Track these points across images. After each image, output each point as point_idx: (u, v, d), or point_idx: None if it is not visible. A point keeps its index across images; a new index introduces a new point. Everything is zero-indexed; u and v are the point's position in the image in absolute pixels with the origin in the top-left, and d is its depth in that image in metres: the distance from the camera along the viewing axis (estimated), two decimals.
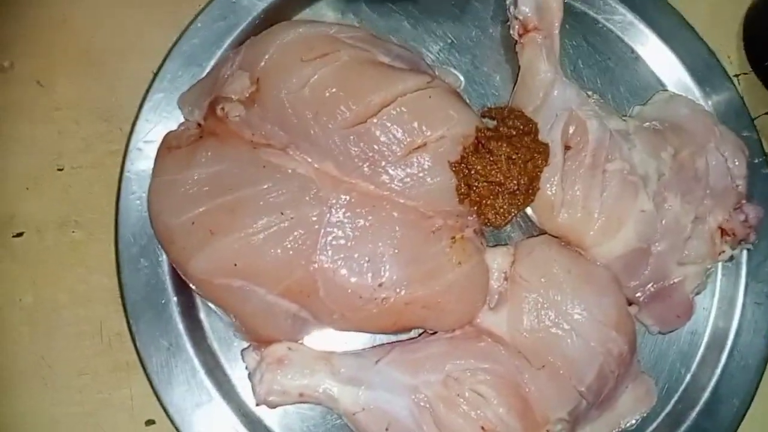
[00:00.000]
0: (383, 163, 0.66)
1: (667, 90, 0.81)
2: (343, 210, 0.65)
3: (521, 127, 0.68)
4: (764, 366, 0.77)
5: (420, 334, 0.73)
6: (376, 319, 0.66)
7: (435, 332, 0.71)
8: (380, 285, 0.65)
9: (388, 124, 0.65)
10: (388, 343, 0.72)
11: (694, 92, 0.81)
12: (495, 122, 0.71)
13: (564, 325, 0.68)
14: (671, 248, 0.73)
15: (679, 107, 0.78)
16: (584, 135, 0.71)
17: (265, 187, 0.65)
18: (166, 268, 0.72)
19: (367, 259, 0.65)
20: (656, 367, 0.78)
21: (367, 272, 0.65)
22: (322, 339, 0.72)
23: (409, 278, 0.66)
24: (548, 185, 0.70)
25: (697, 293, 0.76)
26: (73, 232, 0.75)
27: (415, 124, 0.65)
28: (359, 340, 0.73)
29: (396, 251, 0.65)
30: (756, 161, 0.78)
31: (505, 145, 0.67)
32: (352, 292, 0.65)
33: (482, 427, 0.64)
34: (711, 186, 0.74)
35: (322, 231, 0.65)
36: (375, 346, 0.72)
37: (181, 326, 0.71)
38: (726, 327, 0.78)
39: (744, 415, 0.76)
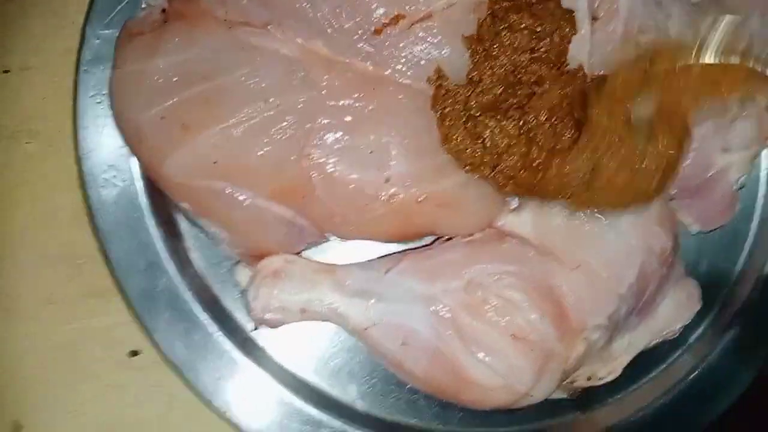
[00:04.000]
0: (382, 38, 0.56)
1: None
2: (338, 94, 0.56)
3: None
4: None
5: (433, 242, 0.64)
6: (383, 222, 0.58)
7: (450, 239, 0.62)
8: (387, 180, 0.56)
9: None
10: (397, 253, 0.63)
11: None
12: None
13: (600, 220, 0.60)
14: (715, 132, 0.64)
15: None
16: (613, 2, 0.61)
17: (245, 72, 0.56)
18: (138, 177, 0.62)
19: (370, 150, 0.56)
20: (696, 270, 0.69)
21: (371, 165, 0.56)
22: (323, 254, 0.64)
23: (421, 172, 0.57)
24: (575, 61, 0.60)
25: (742, 186, 0.68)
26: (28, 143, 0.66)
27: None
28: (363, 256, 0.64)
29: (404, 141, 0.56)
30: None
31: (527, 15, 0.57)
32: (354, 188, 0.56)
33: (512, 335, 0.57)
34: (758, 58, 0.65)
35: (315, 119, 0.56)
36: (384, 256, 0.63)
37: (160, 243, 0.62)
38: None
39: None
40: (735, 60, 0.59)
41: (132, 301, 0.61)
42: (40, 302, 0.64)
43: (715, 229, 0.68)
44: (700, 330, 0.69)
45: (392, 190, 0.56)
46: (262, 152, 0.55)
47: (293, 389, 0.64)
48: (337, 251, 0.65)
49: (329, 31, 0.56)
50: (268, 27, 0.57)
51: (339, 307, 0.59)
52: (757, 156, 0.67)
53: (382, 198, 0.56)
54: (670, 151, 0.58)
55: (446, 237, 0.63)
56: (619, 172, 0.58)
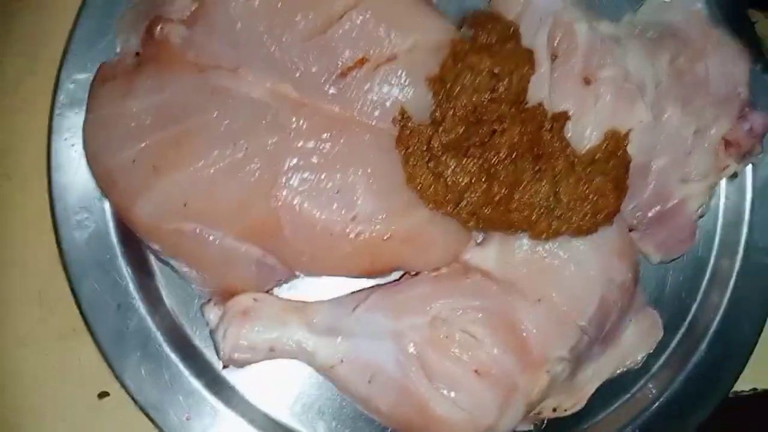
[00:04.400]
0: (348, 80, 0.57)
1: None
2: (306, 136, 0.57)
3: (501, 32, 0.60)
4: None
5: (401, 277, 0.65)
6: (350, 259, 0.59)
7: (417, 273, 0.63)
8: (353, 219, 0.57)
9: (352, 34, 0.57)
10: (366, 288, 0.64)
11: None
12: (472, 32, 0.62)
13: (561, 253, 0.62)
14: (672, 164, 0.66)
15: (673, 12, 0.71)
16: (572, 40, 0.63)
17: (215, 114, 0.57)
18: (109, 219, 0.63)
19: (336, 190, 0.57)
20: (659, 299, 0.71)
21: (338, 205, 0.57)
22: (292, 290, 0.65)
23: (387, 210, 0.58)
24: (536, 97, 0.62)
25: (701, 216, 0.69)
26: (1, 185, 0.66)
27: (383, 31, 0.57)
28: (333, 291, 0.65)
29: (369, 180, 0.58)
30: (757, 67, 0.71)
31: (486, 57, 0.58)
32: (321, 228, 0.57)
33: (476, 370, 0.58)
34: (712, 94, 0.67)
35: (283, 161, 0.57)
36: (352, 293, 0.64)
37: (131, 284, 0.63)
38: (732, 251, 0.71)
39: (756, 341, 0.69)
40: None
41: (102, 342, 0.62)
42: (12, 343, 0.64)
43: (675, 259, 0.70)
44: (663, 358, 0.70)
45: (359, 229, 0.57)
46: (231, 193, 0.56)
47: (262, 428, 0.64)
48: (308, 287, 0.66)
49: (297, 74, 0.58)
50: (238, 70, 0.58)
51: (307, 345, 0.59)
52: (714, 186, 0.69)
53: (350, 236, 0.57)
54: (618, 170, 0.61)
55: (414, 273, 0.64)
56: (576, 196, 0.59)
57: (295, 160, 0.57)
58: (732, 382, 0.69)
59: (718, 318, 0.70)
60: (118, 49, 0.63)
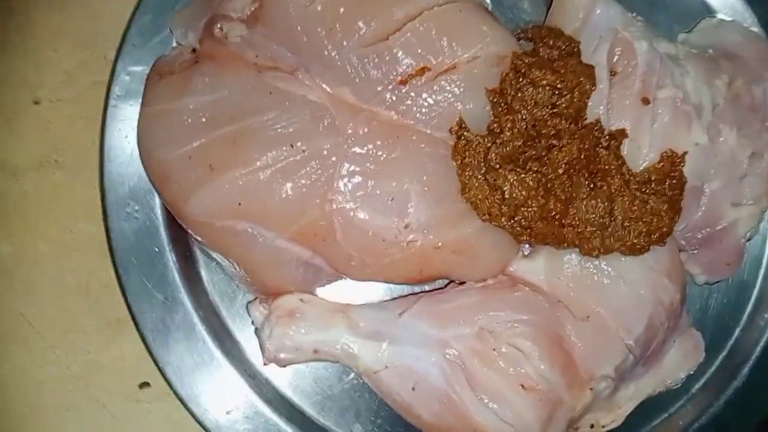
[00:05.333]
0: (408, 88, 0.57)
1: (715, 16, 0.72)
2: (363, 141, 0.57)
3: (563, 47, 0.59)
4: None
5: (446, 285, 0.65)
6: (400, 266, 0.59)
7: (463, 282, 0.63)
8: (406, 227, 0.57)
9: (413, 42, 0.57)
10: (412, 294, 0.64)
11: (745, 17, 0.72)
12: (532, 44, 0.62)
13: (610, 271, 0.61)
14: (725, 187, 0.65)
15: (730, 34, 0.70)
16: (632, 58, 0.63)
17: (272, 115, 0.57)
18: (159, 211, 0.64)
19: (391, 197, 0.57)
20: (702, 321, 0.70)
21: (392, 212, 0.57)
22: (337, 292, 0.64)
23: (439, 220, 0.58)
24: (592, 114, 0.61)
25: (749, 239, 0.69)
26: (54, 173, 0.67)
27: (444, 42, 0.57)
28: (377, 294, 0.65)
29: (424, 189, 0.58)
30: None
31: (549, 72, 0.58)
32: (373, 234, 0.57)
33: (522, 385, 0.57)
34: None
35: (339, 165, 0.57)
36: (398, 298, 0.64)
37: (177, 277, 0.64)
38: None
39: None
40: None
41: (146, 333, 0.62)
42: (59, 332, 0.65)
43: (720, 281, 0.69)
44: (703, 380, 0.70)
45: (411, 237, 0.57)
46: (285, 196, 0.56)
47: (299, 426, 0.64)
48: (352, 290, 0.65)
49: (356, 79, 0.57)
50: (297, 72, 0.58)
51: (352, 348, 0.59)
52: (765, 210, 0.68)
53: (401, 244, 0.57)
54: (673, 191, 0.60)
55: (460, 281, 0.63)
56: (630, 215, 0.59)
57: (351, 166, 0.57)
58: None
59: (761, 343, 0.69)
60: (174, 44, 0.63)
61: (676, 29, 0.72)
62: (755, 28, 0.72)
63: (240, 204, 0.56)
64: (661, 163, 0.61)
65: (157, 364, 0.62)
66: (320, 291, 0.64)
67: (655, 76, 0.63)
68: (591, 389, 0.60)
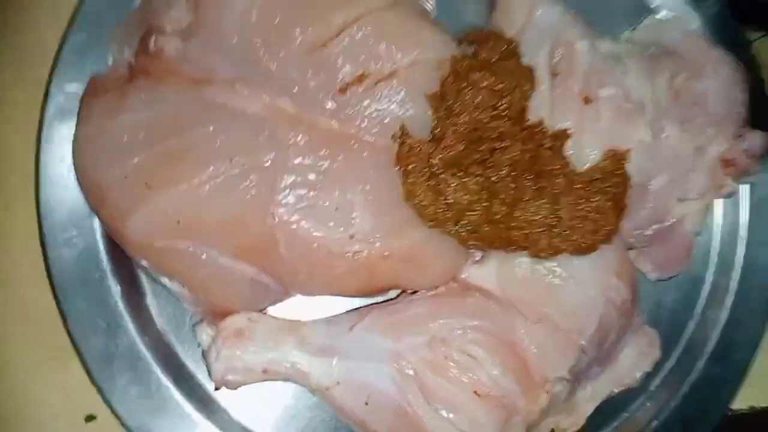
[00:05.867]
0: (348, 96, 0.56)
1: (657, 13, 0.73)
2: (304, 152, 0.56)
3: (503, 49, 0.59)
4: None
5: (398, 295, 0.64)
6: (348, 278, 0.58)
7: (415, 292, 0.62)
8: (351, 237, 0.56)
9: (352, 48, 0.56)
10: (363, 307, 0.63)
11: (687, 15, 0.73)
12: (473, 48, 0.61)
13: (561, 272, 0.61)
14: (671, 183, 0.66)
15: (672, 31, 0.71)
16: (573, 59, 0.63)
17: (210, 130, 0.56)
18: (99, 236, 0.62)
19: (334, 207, 0.56)
20: (656, 318, 0.70)
21: (336, 223, 0.56)
22: (288, 309, 0.63)
23: (385, 228, 0.57)
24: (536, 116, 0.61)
25: (698, 234, 0.69)
26: None
27: (383, 47, 0.56)
28: (328, 310, 0.64)
29: (368, 198, 0.57)
30: (755, 87, 0.71)
31: (488, 74, 0.58)
32: (318, 246, 0.56)
33: (475, 392, 0.57)
34: (711, 112, 0.67)
35: (279, 177, 0.56)
36: (349, 311, 0.63)
37: (120, 303, 0.62)
38: (728, 269, 0.71)
39: (754, 359, 0.69)
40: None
41: (90, 363, 0.60)
42: None
43: (672, 277, 0.69)
44: (661, 377, 0.69)
45: (356, 247, 0.56)
46: (226, 211, 0.55)
47: None
48: (302, 306, 0.64)
49: (295, 89, 0.57)
50: (235, 84, 0.57)
51: (302, 366, 0.58)
52: (711, 204, 0.69)
53: (347, 255, 0.56)
54: (618, 189, 0.60)
55: (412, 291, 0.63)
56: (576, 214, 0.59)
57: (292, 178, 0.56)
58: (730, 400, 0.68)
59: (715, 336, 0.70)
60: (110, 61, 0.62)
61: (619, 28, 0.73)
62: (695, 26, 0.73)
63: (179, 222, 0.55)
64: (605, 161, 0.61)
65: (102, 396, 0.60)
66: (271, 309, 0.63)
67: (596, 75, 0.63)
68: (547, 392, 0.59)
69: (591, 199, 0.59)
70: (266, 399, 0.64)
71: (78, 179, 0.59)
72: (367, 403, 0.58)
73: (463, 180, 0.57)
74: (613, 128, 0.62)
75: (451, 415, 0.57)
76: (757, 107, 0.70)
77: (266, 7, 0.55)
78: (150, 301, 0.63)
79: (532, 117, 0.61)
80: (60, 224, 0.61)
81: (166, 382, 0.61)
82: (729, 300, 0.71)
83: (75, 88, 0.61)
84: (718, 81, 0.68)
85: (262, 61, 0.56)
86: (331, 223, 0.56)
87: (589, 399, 0.66)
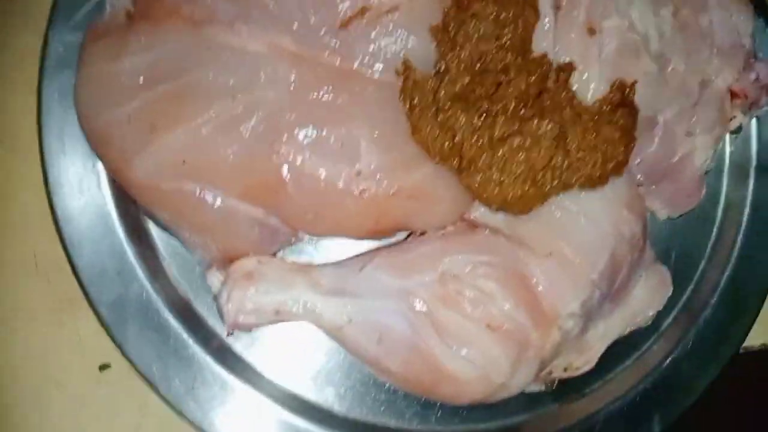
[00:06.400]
0: (350, 31, 0.56)
1: None
2: (307, 89, 0.56)
3: None
4: None
5: (407, 237, 0.63)
6: (356, 217, 0.57)
7: (424, 233, 0.62)
8: (358, 173, 0.56)
9: None
10: (374, 249, 0.62)
11: None
12: None
13: (570, 207, 0.60)
14: (678, 116, 0.65)
15: None
16: None
17: (211, 70, 0.55)
18: (105, 185, 0.61)
19: (340, 144, 0.55)
20: (667, 256, 0.69)
21: (342, 159, 0.55)
22: (297, 255, 0.63)
23: (392, 165, 0.57)
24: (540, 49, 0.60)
25: (707, 171, 0.68)
26: None
27: None
28: (339, 255, 0.63)
29: (374, 133, 0.56)
30: (761, 18, 0.70)
31: (490, 3, 0.57)
32: (325, 183, 0.56)
33: (488, 325, 0.56)
34: (717, 44, 0.66)
35: (284, 115, 0.55)
36: (360, 254, 0.62)
37: (129, 251, 0.61)
38: (740, 204, 0.70)
39: (765, 296, 0.69)
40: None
41: (101, 312, 0.59)
42: (8, 312, 0.62)
43: (682, 215, 0.69)
44: (672, 315, 0.69)
45: (364, 184, 0.56)
46: (231, 150, 0.55)
47: (269, 395, 0.62)
48: (312, 252, 0.64)
49: (295, 26, 0.56)
50: (234, 24, 0.56)
51: (314, 306, 0.58)
52: (720, 138, 0.68)
53: (355, 192, 0.56)
54: (626, 120, 0.59)
55: (420, 232, 0.62)
56: (585, 145, 0.58)
57: (296, 115, 0.55)
58: (742, 337, 0.68)
59: (726, 274, 0.69)
60: (108, 7, 0.61)
61: None
62: None
63: (184, 162, 0.55)
64: (612, 93, 0.60)
65: (115, 343, 0.60)
66: (281, 255, 0.63)
67: (600, 6, 0.62)
68: (559, 328, 0.59)
69: (599, 130, 0.58)
70: (280, 344, 0.64)
71: (81, 125, 0.58)
72: (379, 341, 0.57)
73: (469, 115, 0.56)
74: (619, 59, 0.61)
75: (464, 350, 0.57)
76: (763, 39, 0.69)
77: None
78: (159, 250, 0.63)
79: (536, 50, 0.60)
80: (65, 173, 0.60)
81: (179, 329, 0.61)
82: (739, 237, 0.70)
83: (74, 37, 0.60)
84: (724, 13, 0.67)
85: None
86: (337, 160, 0.55)
87: (601, 338, 0.65)
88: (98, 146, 0.57)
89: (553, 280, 0.59)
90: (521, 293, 0.58)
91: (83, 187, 0.60)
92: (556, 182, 0.56)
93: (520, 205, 0.56)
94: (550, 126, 0.55)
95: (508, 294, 0.57)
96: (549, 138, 0.55)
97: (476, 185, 0.56)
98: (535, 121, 0.55)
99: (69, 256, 0.60)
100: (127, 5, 0.59)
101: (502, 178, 0.55)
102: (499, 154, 0.55)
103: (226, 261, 0.60)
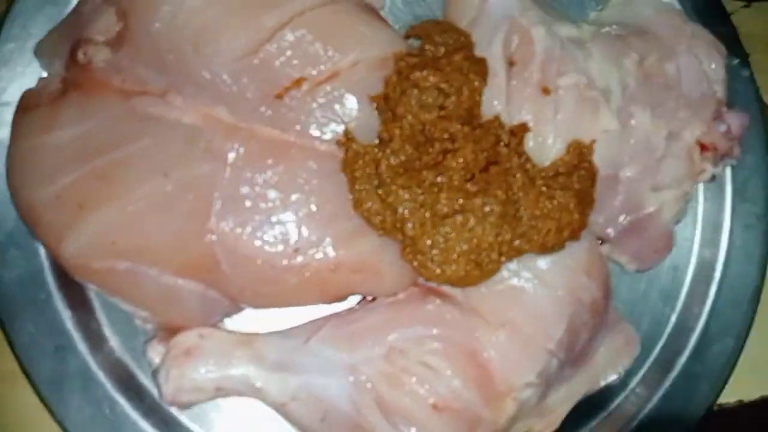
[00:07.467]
0: (286, 101, 0.53)
1: None
2: (242, 163, 0.53)
3: (450, 42, 0.55)
4: (758, 297, 0.67)
5: (359, 301, 0.61)
6: (297, 292, 0.55)
7: (374, 298, 0.60)
8: (296, 251, 0.54)
9: (286, 51, 0.53)
10: (321, 318, 0.60)
11: None
12: (420, 42, 0.58)
13: (525, 273, 0.58)
14: (643, 172, 0.62)
15: (642, 7, 0.67)
16: (529, 47, 0.59)
17: (143, 144, 0.54)
18: (43, 255, 0.59)
19: (276, 220, 0.53)
20: (636, 311, 0.67)
21: (279, 236, 0.53)
22: (245, 320, 0.61)
23: (332, 239, 0.54)
24: (492, 111, 0.57)
25: (677, 222, 0.66)
26: None
27: (320, 48, 0.53)
28: (289, 318, 0.61)
29: (312, 208, 0.54)
30: (734, 62, 0.67)
31: (431, 72, 0.54)
32: (262, 262, 0.53)
33: (434, 405, 0.54)
34: (685, 95, 0.63)
35: (217, 192, 0.53)
36: (306, 323, 0.60)
37: (69, 323, 0.59)
38: (712, 257, 0.68)
39: (739, 354, 0.66)
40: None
41: (40, 387, 0.58)
42: None
43: (650, 268, 0.66)
44: (641, 373, 0.67)
45: (303, 260, 0.54)
46: (162, 230, 0.53)
47: None
48: (260, 315, 0.61)
49: (230, 97, 0.54)
50: (167, 95, 0.54)
51: (256, 382, 0.56)
52: (690, 193, 0.65)
53: (294, 269, 0.54)
54: (583, 183, 0.57)
55: (371, 297, 0.60)
56: (537, 213, 0.56)
57: (230, 191, 0.53)
58: (714, 397, 0.66)
59: (698, 329, 0.67)
60: (42, 75, 0.59)
61: (587, 7, 0.69)
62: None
63: (114, 243, 0.52)
64: (568, 155, 0.57)
65: (55, 419, 0.58)
66: (228, 321, 0.61)
67: (555, 64, 0.59)
68: (514, 399, 0.57)
69: (552, 197, 0.55)
70: (227, 412, 0.61)
71: (12, 199, 0.56)
72: (323, 420, 0.55)
73: (412, 190, 0.53)
74: (576, 119, 0.59)
75: (411, 430, 0.55)
76: (737, 85, 0.66)
77: (195, 13, 0.52)
78: (101, 318, 0.61)
79: (487, 112, 0.57)
80: (1, 244, 0.58)
81: (121, 401, 0.59)
82: (713, 291, 0.67)
83: (6, 100, 0.58)
84: (693, 59, 0.64)
85: (195, 69, 0.53)
86: (273, 237, 0.53)
87: (564, 400, 0.63)
88: (30, 223, 0.56)
89: (506, 353, 0.57)
90: (471, 369, 0.56)
91: (19, 260, 0.59)
92: (503, 258, 0.53)
93: (463, 283, 0.54)
94: (495, 204, 0.52)
95: (457, 371, 0.55)
96: (495, 215, 0.52)
97: (416, 264, 0.53)
98: (480, 199, 0.52)
99: (5, 331, 0.58)
100: (60, 73, 0.57)
101: (443, 258, 0.52)
102: (441, 233, 0.52)
103: (170, 332, 0.58)
